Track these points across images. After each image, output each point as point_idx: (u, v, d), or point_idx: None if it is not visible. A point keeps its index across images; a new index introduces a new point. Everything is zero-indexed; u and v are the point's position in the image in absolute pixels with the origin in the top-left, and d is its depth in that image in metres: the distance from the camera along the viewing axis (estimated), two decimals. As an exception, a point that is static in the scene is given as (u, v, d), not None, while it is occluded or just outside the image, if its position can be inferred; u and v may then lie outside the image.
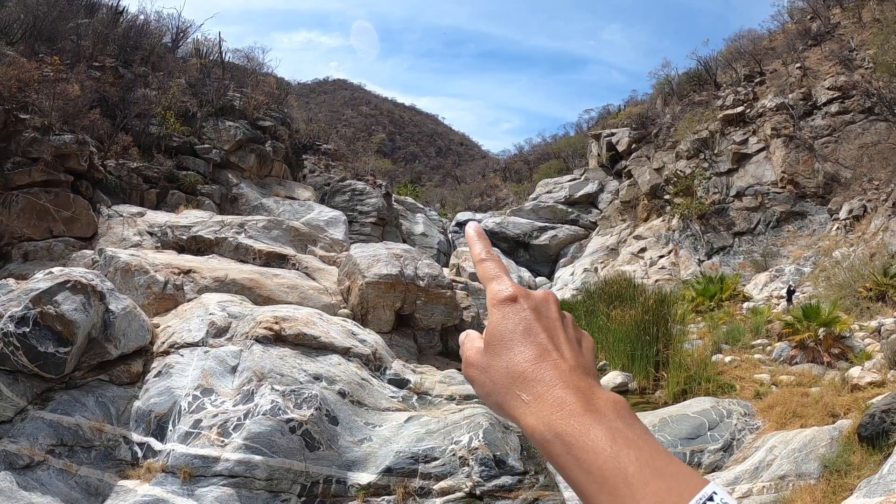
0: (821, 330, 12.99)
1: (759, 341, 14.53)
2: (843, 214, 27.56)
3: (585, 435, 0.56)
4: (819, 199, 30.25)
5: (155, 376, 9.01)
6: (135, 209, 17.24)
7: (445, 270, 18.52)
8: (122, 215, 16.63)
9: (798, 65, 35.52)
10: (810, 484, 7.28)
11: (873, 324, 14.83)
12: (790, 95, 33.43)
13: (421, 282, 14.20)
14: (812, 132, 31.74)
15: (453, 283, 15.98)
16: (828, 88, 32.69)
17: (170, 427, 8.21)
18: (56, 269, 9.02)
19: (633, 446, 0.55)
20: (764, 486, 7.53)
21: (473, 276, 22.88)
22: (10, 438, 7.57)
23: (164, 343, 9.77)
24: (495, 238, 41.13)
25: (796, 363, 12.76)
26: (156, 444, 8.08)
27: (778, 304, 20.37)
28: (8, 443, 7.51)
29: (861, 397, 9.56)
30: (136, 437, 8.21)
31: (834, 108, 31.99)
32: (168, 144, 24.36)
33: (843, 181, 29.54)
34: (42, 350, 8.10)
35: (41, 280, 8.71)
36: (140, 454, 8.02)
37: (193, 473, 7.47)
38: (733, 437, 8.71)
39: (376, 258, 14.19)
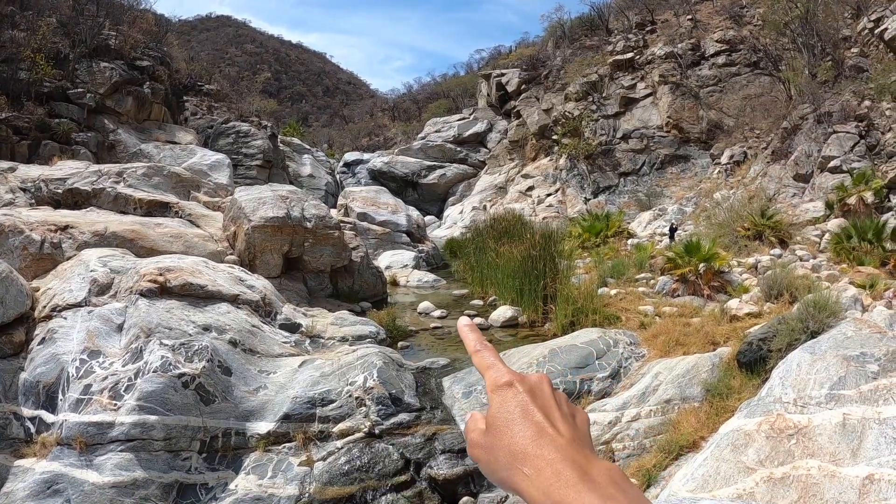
0: (701, 265, 13.61)
1: (642, 275, 15.11)
2: (724, 159, 29.33)
3: (580, 502, 0.64)
4: (702, 145, 31.96)
5: (39, 344, 8.51)
6: (5, 164, 15.89)
7: (333, 211, 18.41)
8: None
9: (689, 16, 36.97)
10: (694, 406, 7.75)
11: (750, 260, 15.74)
12: (679, 45, 34.79)
13: (308, 223, 14.02)
14: (698, 81, 33.31)
15: (341, 224, 15.88)
16: (716, 41, 34.30)
17: (60, 396, 7.83)
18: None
19: None
20: (651, 410, 7.93)
21: (362, 217, 22.88)
22: None
23: (45, 307, 9.20)
24: (384, 178, 40.79)
25: (678, 296, 13.35)
26: (48, 417, 7.71)
27: (661, 241, 21.40)
28: None
29: (739, 327, 10.05)
30: (27, 411, 7.79)
31: (721, 59, 33.69)
32: (38, 91, 22.45)
33: (726, 129, 31.33)
34: (-88, 333, 7.47)
35: None
36: (33, 429, 7.64)
37: (89, 442, 7.20)
38: (620, 365, 9.05)
39: (262, 201, 13.85)
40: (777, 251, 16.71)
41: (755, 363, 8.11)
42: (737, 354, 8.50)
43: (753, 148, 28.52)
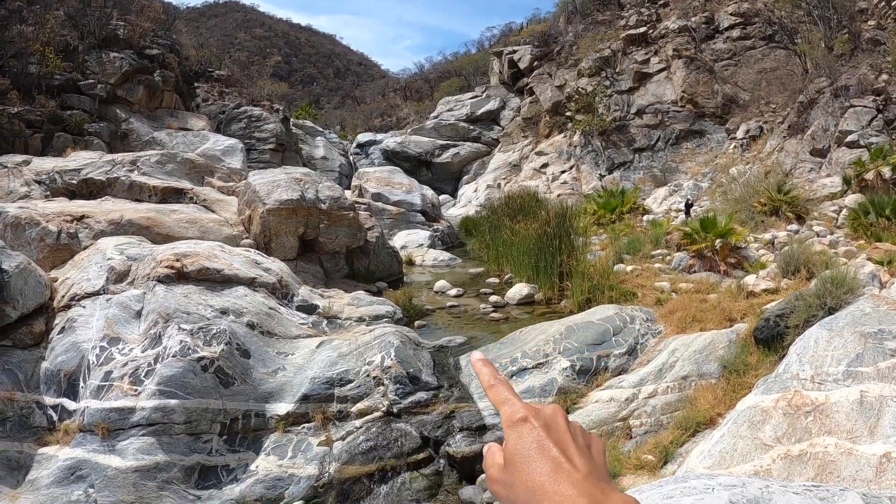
0: (717, 241, 13.51)
1: (658, 251, 15.02)
2: (740, 134, 28.93)
3: None
4: (717, 119, 31.49)
5: (59, 333, 8.61)
6: (19, 158, 16.03)
7: (347, 193, 18.42)
8: (5, 166, 15.45)
9: (703, -10, 36.26)
10: (711, 383, 7.75)
11: (767, 236, 15.59)
12: (693, 18, 34.20)
13: (323, 205, 14.04)
14: (713, 55, 32.78)
15: (356, 205, 15.88)
16: (730, 14, 33.65)
17: (81, 384, 7.94)
18: (-62, 236, 8.29)
19: None
20: (668, 387, 7.93)
21: (376, 197, 22.87)
22: (-81, 428, 7.14)
23: (64, 297, 9.30)
24: (397, 158, 40.65)
25: (694, 272, 13.26)
26: (70, 404, 7.82)
27: (676, 217, 21.24)
28: (-82, 433, 7.09)
29: (756, 303, 9.97)
30: (49, 399, 7.90)
31: (735, 33, 33.06)
32: (49, 84, 22.50)
33: (742, 103, 30.85)
34: (-64, 326, 7.55)
35: (-77, 251, 8.03)
36: (55, 417, 7.74)
37: (111, 428, 7.30)
38: (637, 342, 9.02)
39: (276, 184, 13.87)
40: (794, 227, 16.56)
41: (772, 339, 8.06)
42: (754, 331, 8.44)
43: (769, 122, 28.12)
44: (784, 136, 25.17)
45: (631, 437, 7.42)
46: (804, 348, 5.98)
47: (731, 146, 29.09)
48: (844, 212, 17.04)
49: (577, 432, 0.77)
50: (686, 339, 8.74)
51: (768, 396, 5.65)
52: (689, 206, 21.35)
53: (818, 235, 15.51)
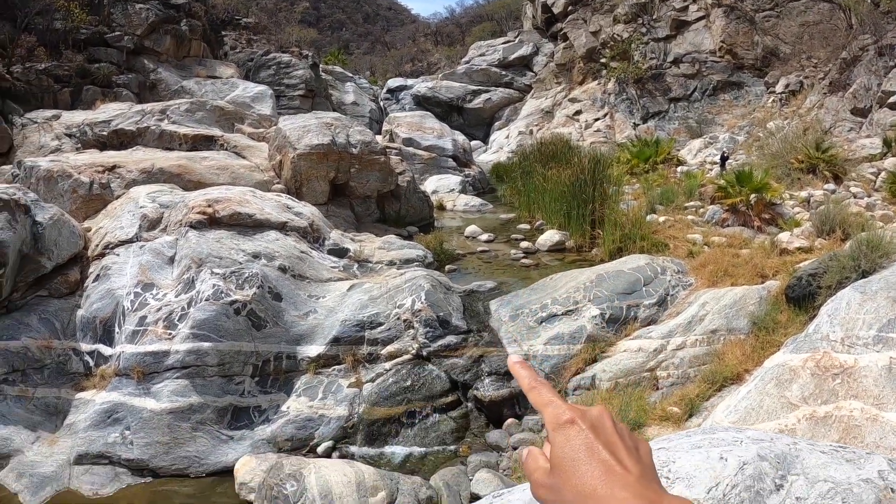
0: (752, 195, 13.24)
1: (691, 203, 14.76)
2: (779, 88, 27.97)
3: None
4: (756, 72, 30.41)
5: (94, 281, 8.78)
6: (49, 112, 16.16)
7: (378, 137, 18.34)
8: (36, 122, 15.61)
9: (745, -63, 34.52)
10: (740, 338, 7.68)
11: (803, 194, 15.23)
12: (735, -34, 32.73)
13: (354, 149, 13.98)
14: (754, 5, 31.43)
15: (387, 150, 15.79)
16: None
17: (116, 329, 8.12)
18: (-26, 192, 8.35)
19: None
20: (697, 340, 7.90)
21: (407, 142, 22.72)
22: (-40, 378, 7.37)
23: (97, 245, 9.45)
24: (428, 104, 40.18)
25: (728, 226, 13.03)
26: (105, 350, 8.02)
27: (711, 170, 20.75)
28: (-41, 383, 7.32)
29: (789, 261, 9.79)
30: (85, 346, 8.11)
31: None
32: (76, 38, 22.40)
33: (782, 56, 29.73)
34: (-25, 279, 7.72)
35: (-41, 209, 8.12)
36: (92, 363, 7.97)
37: (146, 371, 7.50)
38: (667, 293, 8.95)
39: (306, 129, 13.81)
40: (831, 186, 16.13)
41: (803, 299, 7.92)
42: (785, 289, 8.29)
43: (810, 78, 27.10)
44: (824, 93, 24.29)
45: (657, 389, 7.43)
46: (835, 310, 5.85)
47: (770, 100, 28.19)
48: (883, 174, 16.50)
49: (625, 433, 0.74)
50: (717, 293, 8.64)
51: (797, 356, 5.59)
52: (724, 158, 20.88)
53: (855, 197, 15.10)
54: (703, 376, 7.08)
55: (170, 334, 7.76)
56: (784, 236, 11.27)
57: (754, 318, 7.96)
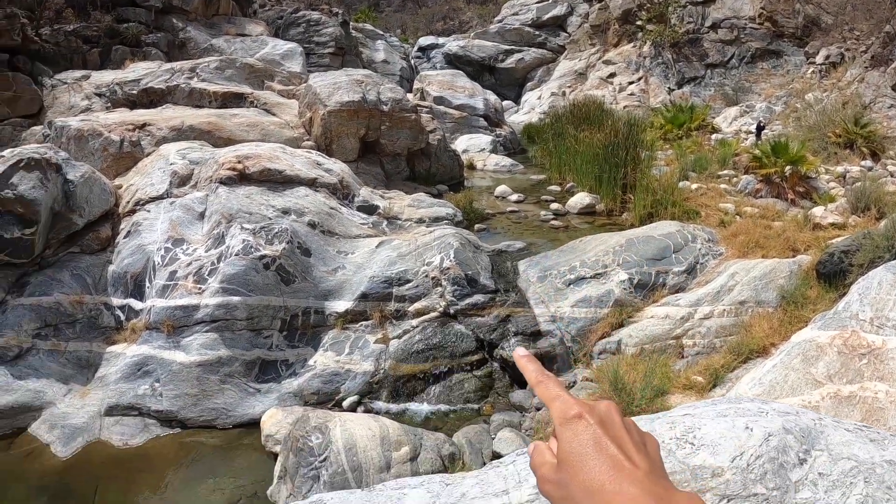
0: (787, 167, 13.00)
1: (725, 172, 14.52)
2: (819, 59, 27.02)
3: None
4: (796, 41, 29.44)
5: (125, 237, 8.90)
6: (79, 73, 16.19)
7: (409, 95, 18.17)
8: (66, 83, 15.67)
9: None
10: (768, 311, 7.59)
11: (839, 169, 14.90)
12: (777, -70, 31.42)
13: (384, 106, 13.87)
14: None
15: (418, 108, 15.65)
16: None
17: (147, 284, 8.25)
18: (6, 152, 8.41)
19: None
20: (724, 310, 7.82)
21: (438, 100, 22.52)
22: (-5, 334, 7.58)
23: (128, 202, 9.55)
24: (459, 63, 39.64)
25: (761, 197, 12.83)
26: (136, 304, 8.15)
27: (746, 139, 20.32)
28: (-5, 339, 7.53)
29: (822, 236, 9.62)
30: (116, 301, 8.25)
31: None
32: (104, -1, 22.47)
33: (824, 26, 28.68)
34: (8, 237, 7.89)
35: (-7, 167, 8.24)
36: (123, 317, 8.11)
37: (176, 325, 7.62)
38: (697, 261, 8.86)
39: (337, 86, 13.71)
40: (868, 163, 15.72)
41: (834, 275, 7.78)
42: (816, 264, 8.15)
43: (852, 50, 26.10)
44: (866, 67, 23.41)
45: (682, 357, 7.40)
46: (866, 288, 5.73)
47: (809, 71, 27.29)
48: (922, 154, 16.08)
49: (632, 428, 0.73)
50: (747, 264, 8.53)
51: (825, 333, 5.51)
52: (760, 128, 20.38)
53: (892, 175, 14.71)
54: (729, 347, 7.03)
55: (199, 289, 7.88)
56: (818, 211, 11.07)
57: (783, 291, 7.86)
